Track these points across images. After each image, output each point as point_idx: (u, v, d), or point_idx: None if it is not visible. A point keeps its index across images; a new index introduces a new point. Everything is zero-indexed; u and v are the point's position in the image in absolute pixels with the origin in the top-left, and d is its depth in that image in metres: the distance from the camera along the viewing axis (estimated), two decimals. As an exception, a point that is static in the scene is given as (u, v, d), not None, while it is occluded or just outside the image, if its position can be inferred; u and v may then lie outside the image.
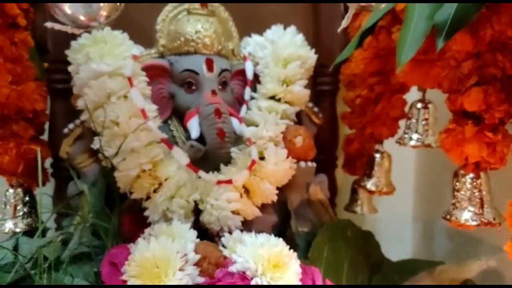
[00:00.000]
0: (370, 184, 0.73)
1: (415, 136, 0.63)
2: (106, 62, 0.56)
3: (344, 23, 0.31)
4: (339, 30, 0.32)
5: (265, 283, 0.46)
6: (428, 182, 0.94)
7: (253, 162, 0.57)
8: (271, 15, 0.75)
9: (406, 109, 0.69)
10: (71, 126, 0.61)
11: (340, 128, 0.82)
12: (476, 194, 0.51)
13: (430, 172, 0.92)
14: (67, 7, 0.22)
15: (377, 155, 0.73)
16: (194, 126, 0.58)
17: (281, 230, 0.63)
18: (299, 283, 0.49)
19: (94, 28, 0.25)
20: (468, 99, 0.48)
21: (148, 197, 0.56)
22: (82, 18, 0.23)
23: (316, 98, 0.78)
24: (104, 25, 0.24)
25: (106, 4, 0.23)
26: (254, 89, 0.67)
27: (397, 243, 0.94)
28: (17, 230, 0.62)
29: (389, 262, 0.71)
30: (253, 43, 0.69)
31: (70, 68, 0.59)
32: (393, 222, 0.96)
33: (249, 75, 0.66)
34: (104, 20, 0.24)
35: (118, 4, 0.24)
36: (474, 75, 0.48)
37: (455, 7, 0.44)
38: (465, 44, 0.48)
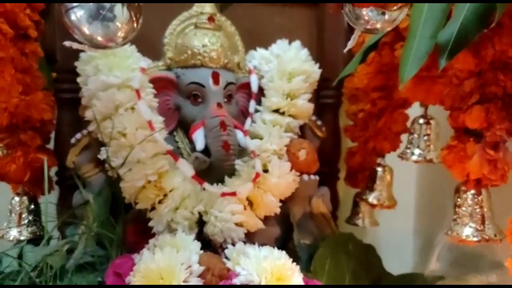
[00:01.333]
0: (371, 198, 0.73)
1: (417, 151, 0.64)
2: (115, 74, 0.57)
3: (350, 45, 0.32)
4: (345, 50, 0.33)
5: (267, 296, 0.47)
6: (429, 196, 0.94)
7: (257, 174, 0.57)
8: (277, 29, 0.76)
9: (408, 124, 0.70)
10: (78, 136, 0.61)
11: (343, 140, 0.83)
12: (477, 210, 0.52)
13: (431, 186, 0.93)
14: (86, 28, 0.23)
15: (379, 169, 0.74)
16: (199, 138, 0.58)
17: (284, 242, 0.64)
18: (302, 296, 0.50)
19: (111, 48, 0.26)
20: (470, 117, 0.49)
21: (153, 208, 0.56)
22: (99, 39, 0.24)
23: (319, 111, 0.79)
24: (120, 45, 0.25)
25: (123, 25, 0.24)
26: (259, 102, 0.68)
27: (398, 257, 0.94)
28: (22, 238, 0.63)
29: (390, 276, 0.71)
30: (258, 57, 0.70)
31: (79, 79, 0.60)
32: (395, 235, 0.96)
33: (254, 88, 0.67)
34: (121, 41, 0.24)
35: (135, 25, 0.25)
36: (476, 93, 0.49)
37: (458, 27, 0.45)
38: (467, 63, 0.49)
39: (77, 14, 0.23)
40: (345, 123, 0.79)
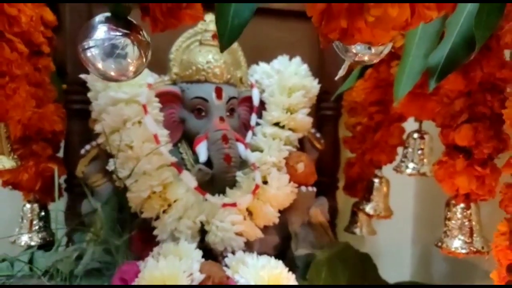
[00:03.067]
0: (368, 208, 0.75)
1: (411, 165, 0.66)
2: (123, 90, 0.60)
3: (340, 73, 0.35)
4: (336, 78, 0.36)
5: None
6: (427, 206, 0.96)
7: (257, 186, 0.60)
8: (278, 43, 0.79)
9: (404, 136, 0.73)
10: (87, 147, 0.64)
11: (342, 151, 0.85)
12: (466, 223, 0.54)
13: (429, 197, 0.95)
14: (100, 65, 0.26)
15: (376, 180, 0.76)
16: (202, 150, 0.61)
17: (282, 251, 0.66)
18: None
19: (122, 81, 0.29)
20: (459, 135, 0.51)
21: (158, 217, 0.59)
22: (112, 74, 0.26)
23: (319, 122, 0.82)
24: (131, 78, 0.27)
25: (134, 61, 0.26)
26: (260, 115, 0.70)
27: (396, 266, 0.97)
28: (32, 243, 0.66)
29: (385, 284, 0.73)
30: (260, 71, 0.73)
31: (89, 94, 0.63)
32: (393, 244, 0.98)
33: (256, 102, 0.70)
34: (132, 75, 0.27)
35: (144, 60, 0.27)
36: (465, 113, 0.52)
37: (447, 51, 0.48)
38: (457, 84, 0.52)
39: (93, 52, 0.26)
40: (345, 134, 0.82)
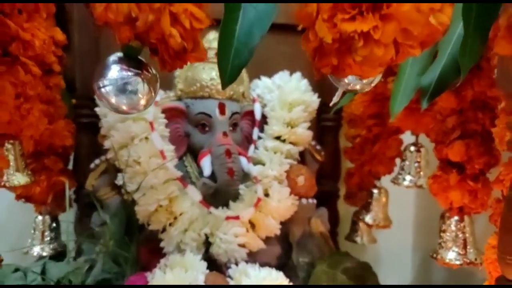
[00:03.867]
0: (368, 218, 0.78)
1: (408, 177, 0.69)
2: (131, 107, 0.63)
3: (335, 99, 0.37)
4: (330, 104, 0.38)
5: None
6: (427, 214, 0.98)
7: (259, 199, 0.62)
8: (280, 56, 0.81)
9: (402, 147, 0.75)
10: (97, 161, 0.67)
11: (343, 161, 0.87)
12: (460, 235, 0.56)
13: (429, 205, 0.96)
14: (113, 100, 0.29)
15: (375, 191, 0.78)
16: (206, 164, 0.64)
17: (284, 260, 0.69)
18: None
19: (133, 113, 0.31)
20: (452, 151, 0.54)
21: (164, 229, 0.62)
22: (124, 108, 0.29)
23: (320, 133, 0.84)
24: (142, 111, 0.30)
25: (144, 96, 0.29)
26: (261, 128, 0.73)
27: (397, 273, 0.99)
28: (44, 254, 0.69)
29: (384, 290, 0.75)
30: (262, 86, 0.75)
31: (98, 111, 0.66)
32: (394, 252, 1.00)
33: (257, 116, 0.72)
34: (143, 108, 0.30)
35: (153, 94, 0.30)
36: (457, 130, 0.54)
37: (438, 72, 0.50)
38: (450, 102, 0.54)
39: (107, 89, 0.28)
40: (345, 145, 0.84)
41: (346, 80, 0.34)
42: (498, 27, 0.35)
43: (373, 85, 0.34)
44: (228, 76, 0.27)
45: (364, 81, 0.33)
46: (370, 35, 0.27)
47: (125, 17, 0.24)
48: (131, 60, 0.29)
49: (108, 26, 0.25)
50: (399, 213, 0.83)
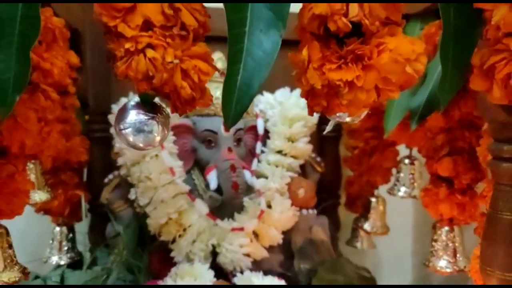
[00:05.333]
0: (366, 225, 0.82)
1: (402, 188, 0.73)
2: (142, 127, 0.67)
3: (329, 128, 0.41)
4: (324, 133, 0.42)
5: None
6: (425, 220, 1.01)
7: (262, 211, 0.67)
8: (282, 70, 0.85)
9: (398, 158, 0.78)
10: (110, 176, 0.72)
11: (344, 169, 0.91)
12: (450, 245, 0.60)
13: (427, 211, 1.00)
14: (131, 139, 0.33)
15: (373, 200, 0.82)
16: (212, 178, 0.68)
17: (287, 266, 0.73)
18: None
19: (149, 149, 0.35)
20: (441, 167, 0.58)
21: (174, 240, 0.67)
22: (141, 145, 0.33)
23: (321, 143, 0.88)
24: (156, 147, 0.34)
25: (159, 134, 0.33)
26: (264, 142, 0.77)
27: (397, 276, 1.02)
28: (62, 262, 0.74)
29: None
30: (264, 101, 0.80)
31: (112, 131, 0.71)
32: (394, 256, 1.04)
33: (260, 131, 0.76)
34: (157, 144, 0.34)
35: (166, 132, 0.34)
36: (446, 147, 0.58)
37: (426, 95, 0.54)
38: (439, 121, 0.58)
39: (126, 131, 0.33)
40: (345, 153, 0.88)
41: (337, 115, 0.38)
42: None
43: (361, 117, 0.38)
44: (231, 120, 0.31)
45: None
46: (354, 83, 0.31)
47: (143, 75, 0.29)
48: (147, 104, 0.33)
49: (128, 80, 0.30)
50: (398, 219, 0.87)
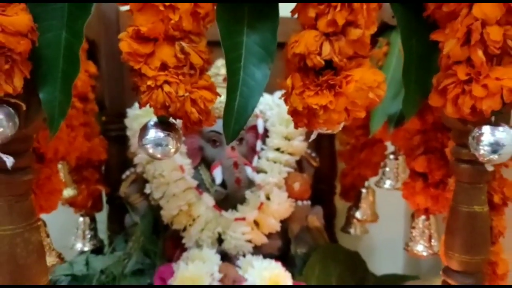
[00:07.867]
0: (357, 214, 0.90)
1: (388, 181, 0.81)
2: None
3: (313, 137, 0.49)
4: (309, 141, 0.51)
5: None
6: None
7: (262, 203, 0.76)
8: (280, 71, 0.93)
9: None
10: (127, 173, 0.81)
11: (338, 161, 0.99)
12: (426, 231, 0.69)
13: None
14: (151, 151, 0.41)
15: (364, 190, 0.90)
16: (218, 174, 0.77)
17: (285, 251, 0.82)
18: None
19: (164, 159, 0.44)
20: (417, 164, 0.66)
21: (185, 229, 0.76)
22: (158, 156, 0.42)
23: (317, 137, 0.95)
24: (172, 156, 0.43)
25: (174, 147, 0.41)
26: (264, 140, 0.85)
27: (390, 261, 1.10)
28: (86, 249, 0.83)
29: (372, 276, 0.88)
30: (264, 102, 0.87)
31: (128, 132, 0.80)
32: (386, 241, 1.12)
33: (260, 130, 0.84)
34: (172, 155, 0.42)
35: (179, 145, 0.42)
36: (421, 146, 0.66)
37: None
38: (415, 124, 0.66)
39: (147, 146, 0.41)
40: (340, 148, 0.95)
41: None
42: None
43: (340, 127, 0.47)
44: (231, 137, 0.40)
45: (332, 128, 0.45)
46: (327, 106, 0.39)
47: (161, 105, 0.37)
48: (163, 123, 0.41)
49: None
50: (391, 206, 0.95)
